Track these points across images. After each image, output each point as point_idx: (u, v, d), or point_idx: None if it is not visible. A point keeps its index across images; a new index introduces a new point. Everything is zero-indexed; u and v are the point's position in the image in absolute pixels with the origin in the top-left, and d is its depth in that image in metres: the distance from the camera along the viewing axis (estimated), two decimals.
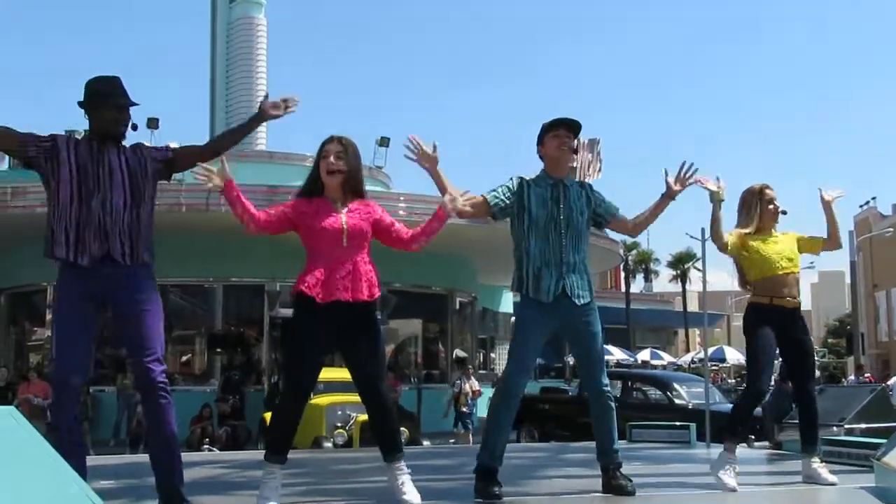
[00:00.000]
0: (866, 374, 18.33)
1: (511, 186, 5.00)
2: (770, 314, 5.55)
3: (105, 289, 4.23)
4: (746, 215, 5.70)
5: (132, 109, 4.40)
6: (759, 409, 12.42)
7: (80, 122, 4.44)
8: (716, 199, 5.53)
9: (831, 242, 5.85)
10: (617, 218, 5.23)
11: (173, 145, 4.68)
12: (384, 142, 25.10)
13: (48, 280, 19.99)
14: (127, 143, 4.46)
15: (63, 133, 4.43)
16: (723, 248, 5.64)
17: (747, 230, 5.67)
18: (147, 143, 4.56)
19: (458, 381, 17.78)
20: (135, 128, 4.50)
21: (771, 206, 5.69)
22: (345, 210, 4.55)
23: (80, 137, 4.44)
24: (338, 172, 4.54)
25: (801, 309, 5.74)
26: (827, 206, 5.74)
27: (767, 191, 5.73)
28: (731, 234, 5.68)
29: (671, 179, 5.14)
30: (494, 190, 5.01)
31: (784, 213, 5.76)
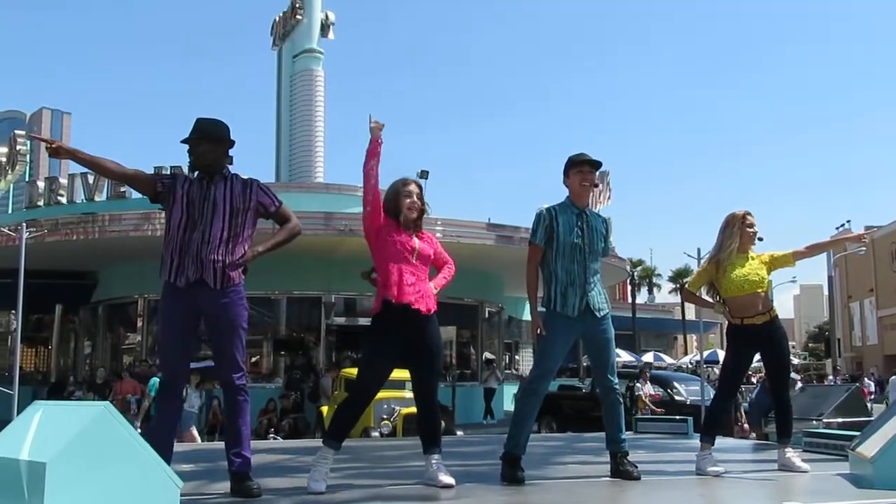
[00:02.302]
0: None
1: (546, 223, 5.04)
2: (744, 333, 5.51)
3: (198, 306, 4.29)
4: (728, 236, 5.60)
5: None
6: (746, 405, 12.31)
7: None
8: (717, 310, 5.68)
9: (808, 255, 5.82)
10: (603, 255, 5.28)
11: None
12: (424, 174, 24.99)
13: (139, 293, 20.27)
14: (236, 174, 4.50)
15: (183, 170, 4.50)
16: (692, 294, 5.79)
17: (714, 260, 5.63)
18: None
19: (637, 385, 15.26)
20: (229, 161, 4.53)
21: (750, 230, 5.61)
22: (415, 236, 4.71)
23: (194, 175, 4.48)
24: (418, 210, 4.72)
25: (778, 318, 5.65)
26: (845, 239, 6.48)
27: (749, 217, 5.65)
28: (695, 284, 5.78)
29: None
30: (536, 234, 5.06)
31: (761, 239, 5.69)
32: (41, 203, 24.48)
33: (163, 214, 4.50)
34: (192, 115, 4.46)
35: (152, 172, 4.59)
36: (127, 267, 19.75)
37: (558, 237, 4.98)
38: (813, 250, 5.89)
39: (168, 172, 4.49)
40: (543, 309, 5.02)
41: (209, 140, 4.39)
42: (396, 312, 4.52)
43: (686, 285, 5.90)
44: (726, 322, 5.71)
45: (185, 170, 4.67)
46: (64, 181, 24.95)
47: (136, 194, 23.47)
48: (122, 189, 23.54)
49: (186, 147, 4.43)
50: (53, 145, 4.15)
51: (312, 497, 4.31)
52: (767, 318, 5.49)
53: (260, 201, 4.46)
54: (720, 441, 5.92)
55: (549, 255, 5.02)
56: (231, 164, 4.64)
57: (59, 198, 24.32)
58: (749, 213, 5.67)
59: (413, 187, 4.75)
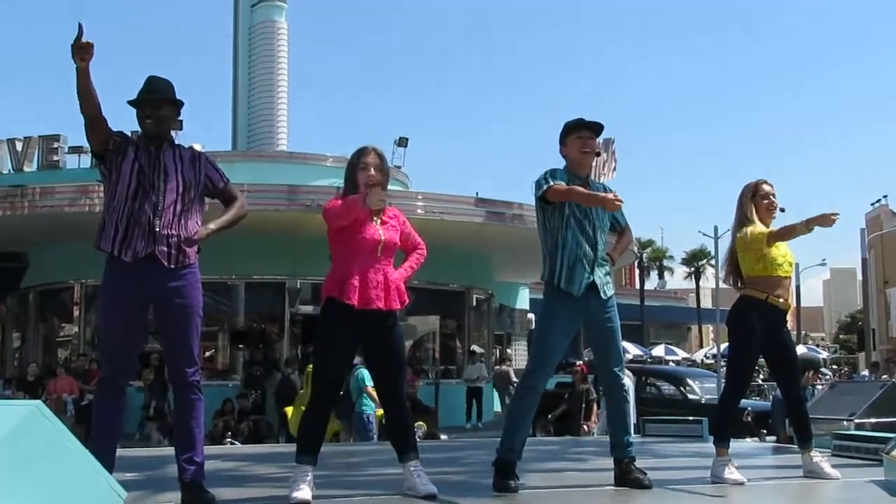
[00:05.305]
0: None
1: (560, 178, 4.93)
2: (764, 310, 5.43)
3: (148, 288, 4.27)
4: (740, 212, 5.55)
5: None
6: (768, 405, 12.41)
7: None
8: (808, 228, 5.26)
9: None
10: (625, 230, 5.27)
11: (197, 147, 4.71)
12: (403, 142, 25.09)
13: (76, 278, 20.14)
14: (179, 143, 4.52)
15: (130, 133, 4.46)
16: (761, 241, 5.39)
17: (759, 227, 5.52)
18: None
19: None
20: (179, 126, 4.54)
21: (766, 202, 5.52)
22: (380, 221, 4.62)
23: (137, 139, 4.46)
24: (378, 185, 4.60)
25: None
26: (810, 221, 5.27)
27: (764, 186, 5.56)
28: (758, 230, 5.43)
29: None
30: (555, 178, 4.91)
31: (782, 210, 5.57)
32: None
33: (101, 188, 4.48)
34: (137, 72, 4.47)
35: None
36: (61, 248, 19.61)
37: (570, 203, 4.91)
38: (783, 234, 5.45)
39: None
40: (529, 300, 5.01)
41: (169, 102, 4.43)
42: (356, 313, 4.50)
43: (765, 233, 5.37)
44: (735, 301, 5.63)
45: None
46: None
47: (70, 164, 23.15)
48: (56, 158, 23.38)
49: (139, 109, 4.40)
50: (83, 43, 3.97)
51: None
52: (788, 306, 5.53)
53: (208, 175, 4.50)
54: (738, 445, 5.98)
55: (556, 222, 4.95)
56: (181, 129, 4.66)
57: None
58: (764, 182, 5.59)
59: (371, 158, 4.64)
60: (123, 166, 4.29)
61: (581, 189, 4.83)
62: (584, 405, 12.92)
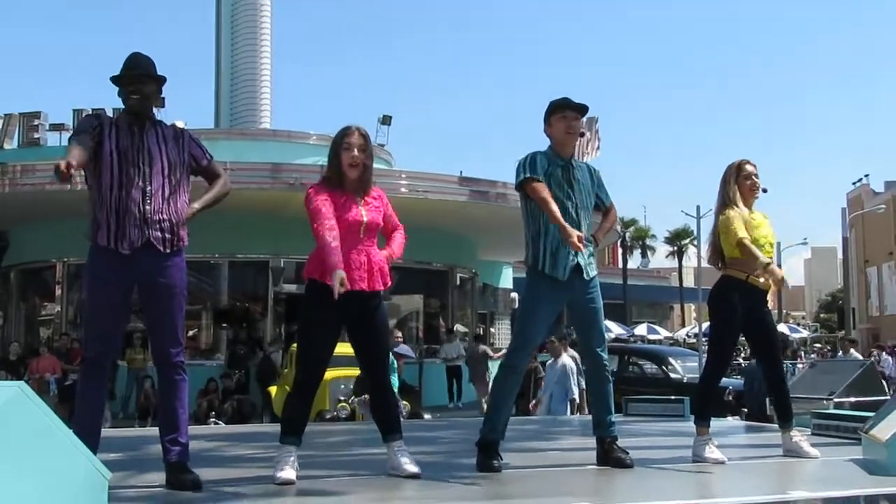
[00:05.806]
0: None
1: (541, 164, 4.93)
2: (745, 291, 5.45)
3: (140, 274, 4.26)
4: (723, 192, 5.55)
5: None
6: (751, 384, 12.51)
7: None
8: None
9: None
10: (610, 208, 5.26)
11: (180, 124, 4.68)
12: (386, 120, 25.03)
13: (58, 257, 20.05)
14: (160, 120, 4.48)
15: (107, 113, 4.40)
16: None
17: (740, 210, 5.54)
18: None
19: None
20: (161, 103, 4.50)
21: (748, 182, 5.54)
22: (362, 202, 4.61)
23: (118, 118, 4.41)
24: (361, 166, 4.59)
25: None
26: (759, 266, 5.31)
27: (747, 166, 5.56)
28: (737, 224, 5.39)
29: None
30: (535, 169, 4.91)
31: (765, 190, 5.59)
32: None
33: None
34: (118, 49, 4.43)
35: (79, 122, 4.50)
36: (43, 226, 19.51)
37: (549, 188, 4.89)
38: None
39: (90, 115, 4.40)
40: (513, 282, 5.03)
41: (152, 78, 4.40)
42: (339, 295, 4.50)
43: (739, 237, 5.32)
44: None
45: (110, 114, 4.60)
46: None
47: (52, 141, 22.97)
48: (37, 135, 23.20)
49: (121, 86, 4.37)
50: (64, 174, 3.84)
51: (256, 489, 4.34)
52: (767, 286, 5.54)
53: (192, 153, 4.47)
54: (719, 424, 6.03)
55: (538, 207, 4.94)
56: (163, 106, 4.64)
57: None
58: (747, 162, 5.60)
59: (354, 139, 4.61)
60: (104, 152, 4.24)
61: (555, 212, 4.75)
62: (532, 383, 13.02)
